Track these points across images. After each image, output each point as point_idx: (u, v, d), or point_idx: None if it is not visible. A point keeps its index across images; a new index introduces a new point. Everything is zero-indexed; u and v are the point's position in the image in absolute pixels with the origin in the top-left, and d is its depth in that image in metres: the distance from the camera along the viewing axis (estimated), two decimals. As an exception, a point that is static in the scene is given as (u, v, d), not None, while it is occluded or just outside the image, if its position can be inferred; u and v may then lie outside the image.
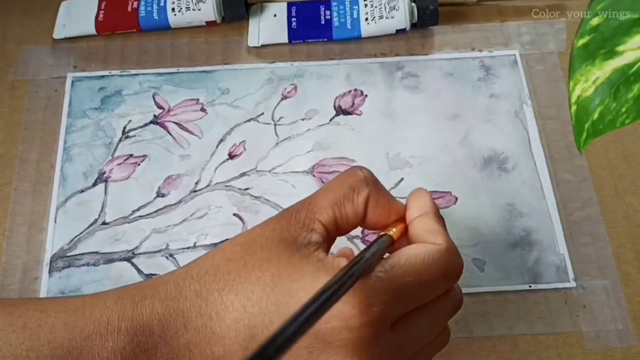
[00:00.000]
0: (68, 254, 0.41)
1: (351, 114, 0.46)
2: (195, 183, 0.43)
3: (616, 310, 0.39)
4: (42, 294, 0.40)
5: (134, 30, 0.49)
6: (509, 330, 0.39)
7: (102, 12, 0.49)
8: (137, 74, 0.47)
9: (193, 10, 0.48)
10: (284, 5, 0.50)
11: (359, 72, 0.47)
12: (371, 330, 0.26)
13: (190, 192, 0.43)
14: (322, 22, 0.49)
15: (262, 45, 0.49)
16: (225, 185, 0.43)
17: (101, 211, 0.42)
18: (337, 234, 0.30)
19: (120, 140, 0.45)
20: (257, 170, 0.44)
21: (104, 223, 0.42)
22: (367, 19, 0.48)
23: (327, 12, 0.49)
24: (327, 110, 0.46)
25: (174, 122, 0.46)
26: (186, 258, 0.40)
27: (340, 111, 0.46)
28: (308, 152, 0.44)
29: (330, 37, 0.49)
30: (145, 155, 0.44)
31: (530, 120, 0.45)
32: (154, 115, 0.46)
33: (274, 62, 0.48)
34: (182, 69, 0.48)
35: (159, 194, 0.43)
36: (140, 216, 0.42)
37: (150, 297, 0.28)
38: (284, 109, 0.46)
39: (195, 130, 0.45)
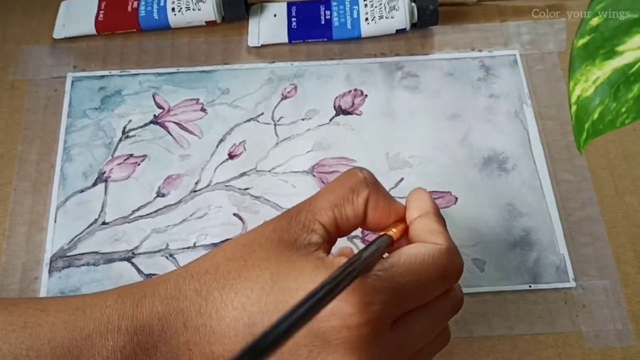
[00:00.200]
0: (68, 254, 0.41)
1: (351, 114, 0.46)
2: (195, 183, 0.43)
3: (616, 310, 0.39)
4: (42, 294, 0.40)
5: (134, 30, 0.49)
6: (508, 330, 0.39)
7: (102, 12, 0.49)
8: (137, 74, 0.48)
9: (193, 10, 0.48)
10: (284, 5, 0.50)
11: (359, 72, 0.47)
12: (370, 329, 0.26)
13: (190, 192, 0.43)
14: (322, 22, 0.49)
15: (262, 45, 0.49)
16: (225, 185, 0.43)
17: (101, 211, 0.42)
18: (337, 235, 0.30)
19: (120, 140, 0.45)
20: (257, 170, 0.44)
21: (104, 223, 0.42)
22: (367, 19, 0.48)
23: (327, 12, 0.49)
24: (327, 110, 0.46)
25: (174, 122, 0.46)
26: (186, 258, 0.40)
27: (340, 111, 0.46)
28: (308, 152, 0.44)
29: (330, 37, 0.49)
30: (145, 155, 0.44)
31: (530, 120, 0.45)
32: (154, 115, 0.46)
33: (274, 62, 0.48)
34: (182, 69, 0.48)
35: (159, 194, 0.43)
36: (140, 216, 0.42)
37: (150, 296, 0.28)
38: (284, 109, 0.46)
39: (195, 130, 0.45)
